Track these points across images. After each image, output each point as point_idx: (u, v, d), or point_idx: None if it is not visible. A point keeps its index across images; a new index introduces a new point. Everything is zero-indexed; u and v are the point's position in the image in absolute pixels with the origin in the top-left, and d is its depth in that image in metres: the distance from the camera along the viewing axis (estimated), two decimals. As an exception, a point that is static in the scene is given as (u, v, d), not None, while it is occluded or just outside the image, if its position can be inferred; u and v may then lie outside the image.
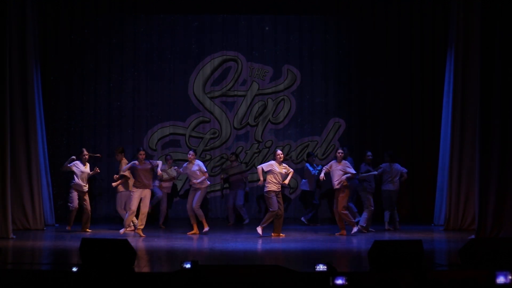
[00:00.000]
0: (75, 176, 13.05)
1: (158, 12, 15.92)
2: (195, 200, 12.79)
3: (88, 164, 13.24)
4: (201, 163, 12.97)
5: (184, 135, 15.99)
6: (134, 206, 12.43)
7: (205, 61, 16.05)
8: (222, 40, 16.07)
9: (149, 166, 12.58)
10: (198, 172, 12.84)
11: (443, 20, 15.30)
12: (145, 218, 12.51)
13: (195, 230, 12.75)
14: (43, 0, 14.96)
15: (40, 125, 13.99)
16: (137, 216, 12.56)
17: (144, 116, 15.91)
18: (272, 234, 12.41)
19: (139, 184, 12.48)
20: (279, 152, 12.56)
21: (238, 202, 14.81)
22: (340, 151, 12.85)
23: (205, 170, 12.94)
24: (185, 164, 13.16)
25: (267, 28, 16.09)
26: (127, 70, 15.86)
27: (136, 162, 12.60)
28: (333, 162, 12.81)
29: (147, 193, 12.52)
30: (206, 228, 12.74)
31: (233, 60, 16.09)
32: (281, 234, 12.41)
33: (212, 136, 15.99)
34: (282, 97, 16.07)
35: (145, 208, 12.49)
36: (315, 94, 16.05)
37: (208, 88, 16.04)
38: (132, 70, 15.88)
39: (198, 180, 12.80)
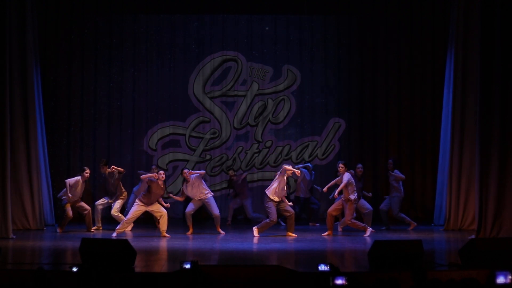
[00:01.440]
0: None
1: (158, 12, 15.92)
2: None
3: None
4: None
5: (184, 135, 15.99)
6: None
7: (205, 61, 16.05)
8: (222, 40, 16.06)
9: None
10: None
11: (443, 20, 15.32)
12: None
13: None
14: (43, 0, 14.97)
15: (40, 125, 13.99)
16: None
17: (144, 116, 15.90)
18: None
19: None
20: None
21: (251, 214, 14.77)
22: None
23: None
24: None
25: (267, 28, 16.09)
26: (127, 70, 15.86)
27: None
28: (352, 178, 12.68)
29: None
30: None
31: (233, 60, 16.08)
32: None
33: (212, 136, 15.99)
34: (282, 97, 16.07)
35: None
36: (315, 94, 16.05)
37: (208, 88, 16.03)
38: (132, 70, 15.88)
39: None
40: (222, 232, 12.84)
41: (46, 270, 8.29)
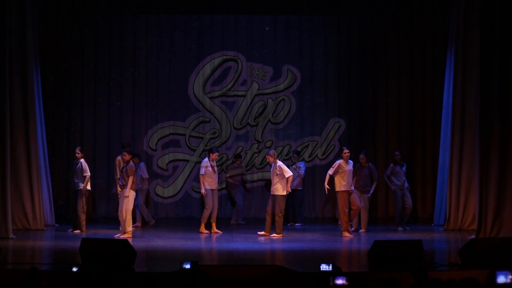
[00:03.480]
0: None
1: (158, 12, 15.93)
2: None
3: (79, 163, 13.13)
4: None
5: (184, 135, 15.98)
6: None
7: (205, 61, 16.05)
8: (222, 40, 16.07)
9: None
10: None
11: (443, 20, 15.32)
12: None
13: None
14: (43, 0, 14.97)
15: (40, 125, 13.98)
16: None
17: (144, 116, 15.91)
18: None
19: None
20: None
21: (239, 203, 14.73)
22: (346, 151, 12.69)
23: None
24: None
25: (267, 28, 16.09)
26: (127, 70, 15.86)
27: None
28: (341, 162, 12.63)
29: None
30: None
31: (233, 60, 16.08)
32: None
33: (212, 136, 15.98)
34: (282, 97, 16.07)
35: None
36: (315, 94, 16.05)
37: (208, 88, 16.03)
38: (132, 70, 15.88)
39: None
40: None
41: (46, 270, 8.31)
